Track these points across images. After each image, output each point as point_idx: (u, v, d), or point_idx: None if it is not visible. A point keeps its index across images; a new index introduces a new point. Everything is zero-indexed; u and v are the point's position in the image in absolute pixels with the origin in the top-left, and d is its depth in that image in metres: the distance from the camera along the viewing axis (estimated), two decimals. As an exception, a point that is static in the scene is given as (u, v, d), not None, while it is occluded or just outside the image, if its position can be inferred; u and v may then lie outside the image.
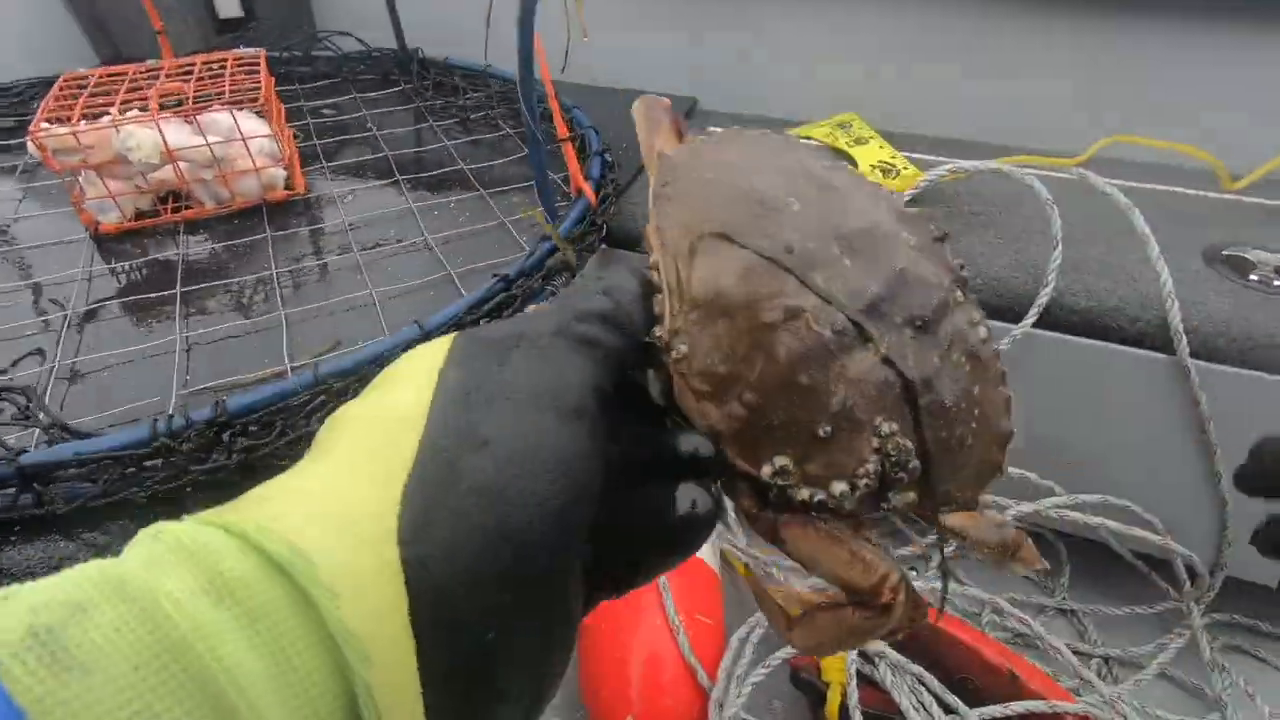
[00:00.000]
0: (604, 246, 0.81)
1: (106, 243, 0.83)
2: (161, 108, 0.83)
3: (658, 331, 0.25)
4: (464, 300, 0.62)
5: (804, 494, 0.24)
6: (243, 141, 0.84)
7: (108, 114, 0.81)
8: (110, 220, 0.83)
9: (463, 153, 1.01)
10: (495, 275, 0.65)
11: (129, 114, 0.82)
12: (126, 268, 0.80)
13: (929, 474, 0.25)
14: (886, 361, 0.24)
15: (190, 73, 0.96)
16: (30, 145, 0.77)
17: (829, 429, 0.24)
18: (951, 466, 0.25)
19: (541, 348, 0.22)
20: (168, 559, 0.16)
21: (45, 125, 0.77)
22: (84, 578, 0.15)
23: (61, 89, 0.90)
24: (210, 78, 0.98)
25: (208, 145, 0.83)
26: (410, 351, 0.22)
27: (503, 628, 0.18)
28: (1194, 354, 0.64)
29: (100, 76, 0.94)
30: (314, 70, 1.26)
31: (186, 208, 0.88)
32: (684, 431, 0.25)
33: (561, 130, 0.82)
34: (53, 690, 0.13)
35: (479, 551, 0.18)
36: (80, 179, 0.82)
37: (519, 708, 0.19)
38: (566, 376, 0.21)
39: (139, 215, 0.86)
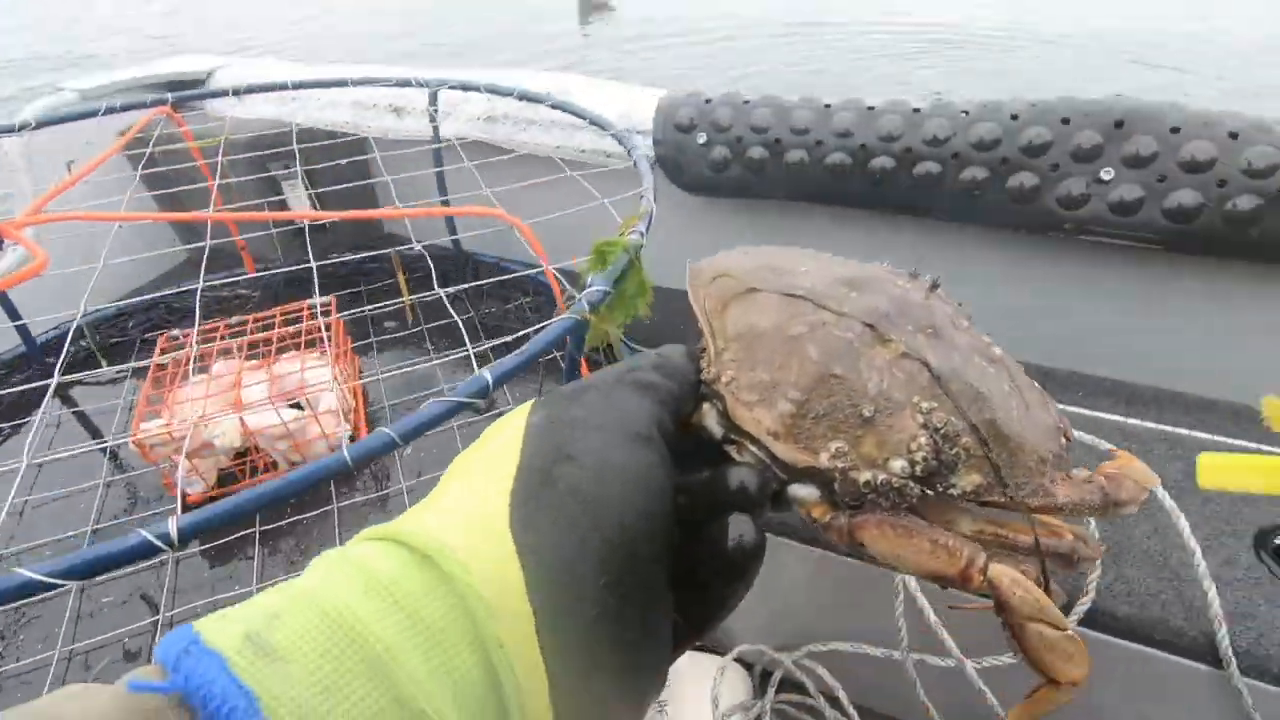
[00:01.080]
0: None
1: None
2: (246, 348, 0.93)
3: (706, 370, 0.30)
4: None
5: (866, 475, 0.26)
6: (314, 418, 0.91)
7: (202, 374, 0.91)
8: (196, 491, 0.92)
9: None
10: None
11: (216, 379, 0.91)
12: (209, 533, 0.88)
13: (989, 455, 0.26)
14: (906, 355, 0.27)
15: (270, 325, 1.06)
16: (131, 445, 0.86)
17: (872, 409, 0.26)
18: (1008, 449, 0.27)
19: (607, 390, 0.27)
20: (336, 571, 0.21)
21: (144, 427, 0.86)
22: (279, 594, 0.20)
23: (159, 356, 1.00)
24: (288, 322, 1.08)
25: (283, 423, 0.90)
26: (502, 417, 0.28)
27: (602, 608, 0.21)
28: (1245, 672, 0.61)
29: (195, 335, 1.04)
30: (381, 267, 1.36)
31: (263, 468, 0.96)
32: (732, 466, 0.27)
33: None
34: (266, 675, 0.17)
35: (578, 540, 0.21)
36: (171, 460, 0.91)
37: (625, 692, 0.23)
38: (631, 410, 0.26)
39: (219, 481, 0.94)
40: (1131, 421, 0.86)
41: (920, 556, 0.25)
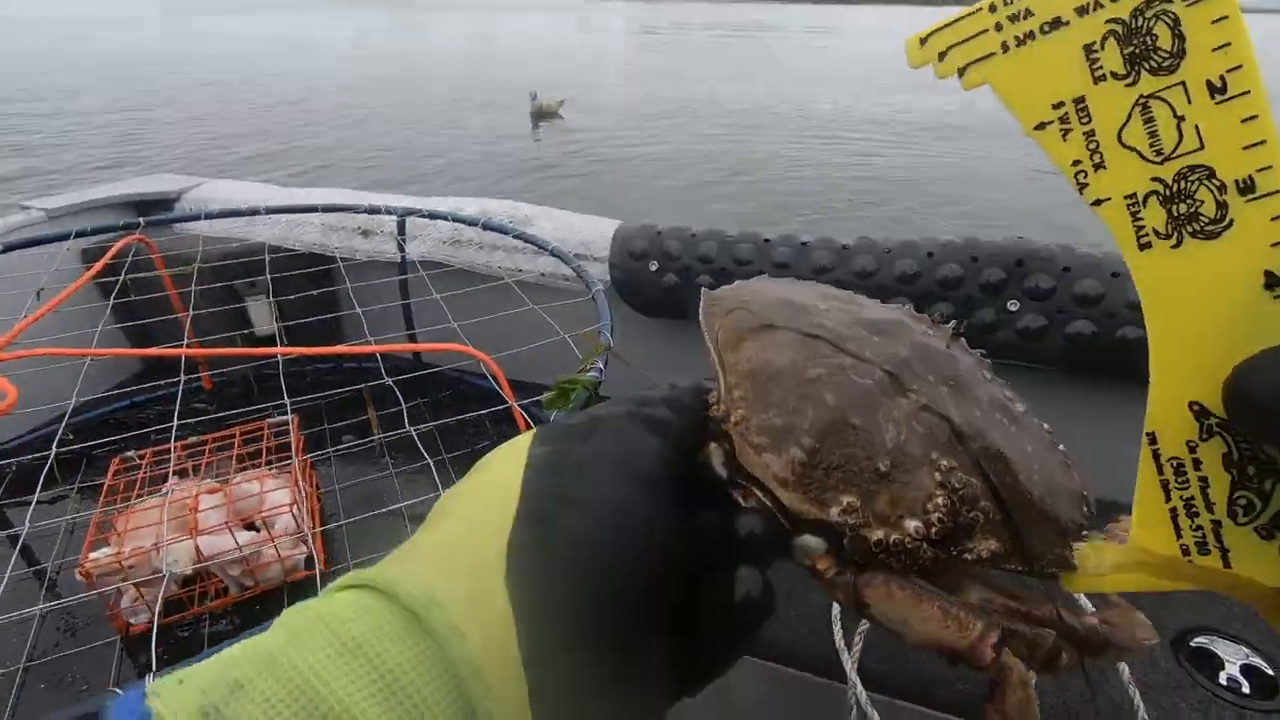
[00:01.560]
0: None
1: (134, 642, 0.88)
2: (195, 471, 0.92)
3: (714, 406, 0.28)
4: None
5: (878, 534, 0.24)
6: (271, 543, 0.91)
7: (157, 497, 0.90)
8: (141, 621, 0.89)
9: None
10: None
11: (170, 502, 0.90)
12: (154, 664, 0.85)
13: (1010, 521, 0.24)
14: (927, 409, 0.25)
15: (230, 444, 1.06)
16: (78, 575, 0.84)
17: (888, 463, 0.24)
18: (1029, 516, 0.25)
19: (617, 427, 0.25)
20: (309, 631, 0.18)
21: (93, 556, 0.84)
22: (242, 657, 0.18)
23: (113, 477, 0.99)
24: (249, 440, 1.08)
25: (238, 548, 0.90)
26: (500, 446, 0.26)
27: (601, 669, 0.20)
28: None
29: (150, 456, 1.04)
30: (341, 379, 1.37)
31: (213, 595, 0.94)
32: (742, 513, 0.25)
33: None
34: None
35: (579, 596, 0.20)
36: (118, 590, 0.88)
37: None
38: (640, 451, 0.24)
39: (166, 609, 0.91)
40: None
41: (929, 625, 0.23)
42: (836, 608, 0.91)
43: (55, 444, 0.76)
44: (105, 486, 0.98)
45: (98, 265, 1.03)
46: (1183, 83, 0.18)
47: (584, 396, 0.69)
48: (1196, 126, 0.18)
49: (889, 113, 10.88)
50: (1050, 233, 1.21)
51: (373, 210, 1.31)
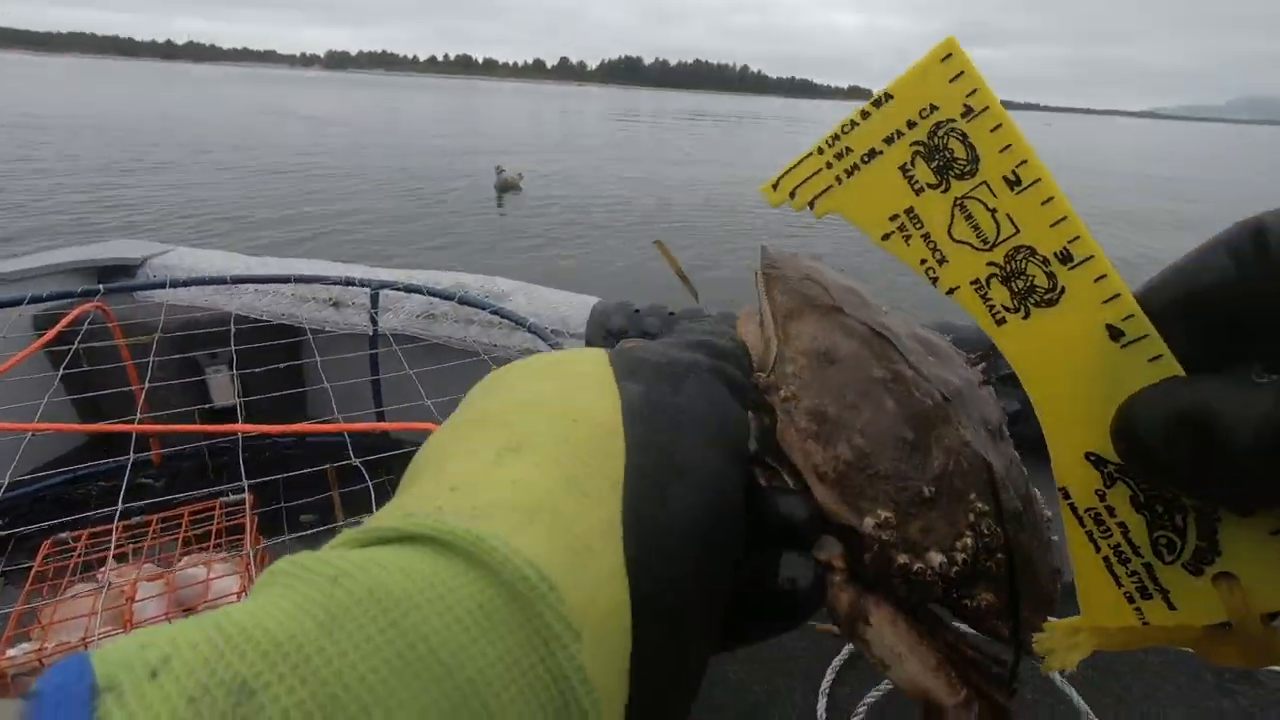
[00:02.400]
0: None
1: None
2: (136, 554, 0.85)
3: (761, 375, 0.26)
4: None
5: (902, 558, 0.23)
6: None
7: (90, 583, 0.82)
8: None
9: None
10: None
11: (106, 589, 0.83)
12: None
13: (1012, 576, 0.24)
14: (970, 445, 0.24)
15: (179, 521, 0.99)
16: (-9, 678, 0.75)
17: (933, 489, 0.24)
18: (1026, 575, 0.25)
19: (705, 380, 0.22)
20: (349, 613, 0.12)
21: (10, 654, 0.76)
22: (244, 640, 0.12)
23: (43, 561, 0.91)
24: (198, 521, 1.01)
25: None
26: (573, 352, 0.22)
27: (689, 645, 0.18)
28: None
29: (86, 538, 0.96)
30: (300, 455, 1.31)
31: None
32: (781, 493, 0.24)
33: None
34: None
35: (685, 576, 0.17)
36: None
37: None
38: (731, 417, 0.22)
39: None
40: None
41: (921, 669, 0.23)
42: (822, 709, 0.87)
43: None
44: (33, 572, 0.90)
45: (49, 334, 0.99)
46: (985, 182, 0.21)
47: None
48: (1008, 215, 0.21)
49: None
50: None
51: (346, 282, 1.29)
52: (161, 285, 1.23)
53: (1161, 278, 0.20)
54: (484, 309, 1.16)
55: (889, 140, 0.22)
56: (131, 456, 0.84)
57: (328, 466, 1.12)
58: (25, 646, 0.79)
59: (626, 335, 1.22)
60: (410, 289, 1.25)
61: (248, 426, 0.85)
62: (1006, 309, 0.21)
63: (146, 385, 1.05)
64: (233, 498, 1.05)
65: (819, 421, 0.25)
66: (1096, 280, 0.20)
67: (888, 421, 0.25)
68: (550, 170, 12.34)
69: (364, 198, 8.93)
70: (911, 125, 0.21)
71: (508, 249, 6.86)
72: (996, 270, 0.21)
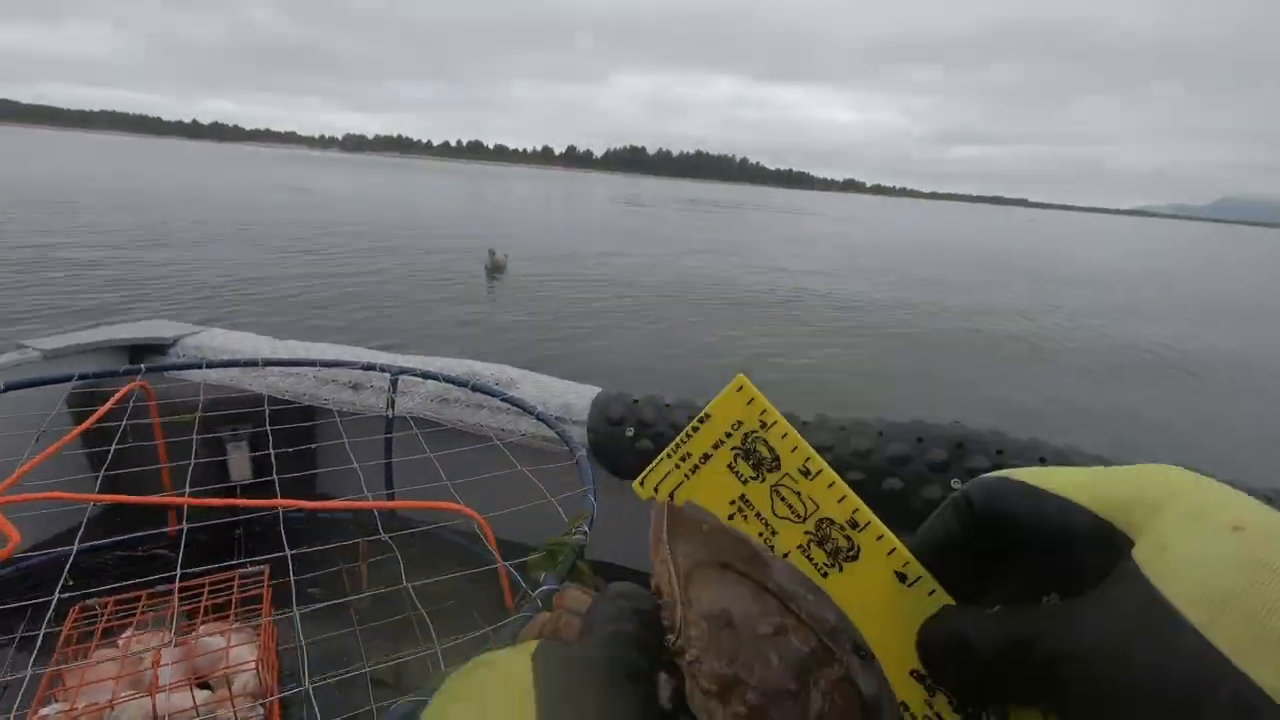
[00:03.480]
0: None
1: None
2: (158, 622, 0.90)
3: (671, 640, 0.28)
4: None
5: None
6: (230, 700, 0.89)
7: (116, 647, 0.87)
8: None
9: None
10: None
11: (130, 653, 0.88)
12: None
13: None
14: (847, 679, 0.27)
15: (199, 592, 1.05)
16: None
17: None
18: None
19: (605, 685, 0.24)
20: None
21: (43, 713, 0.81)
22: None
23: (71, 626, 0.97)
24: (216, 591, 1.07)
25: (195, 708, 0.87)
26: (500, 663, 0.24)
27: None
28: None
29: (113, 606, 1.02)
30: (314, 531, 1.37)
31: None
32: None
33: None
34: None
35: None
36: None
37: None
38: (628, 712, 0.23)
39: (109, 776, 0.87)
40: None
41: None
42: None
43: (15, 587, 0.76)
44: (62, 636, 0.96)
45: (101, 410, 1.08)
46: (788, 473, 0.28)
47: (571, 559, 0.74)
48: (810, 496, 0.28)
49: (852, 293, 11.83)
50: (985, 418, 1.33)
51: (368, 367, 1.39)
52: (198, 366, 1.33)
53: (920, 534, 0.27)
54: (495, 396, 1.25)
55: (716, 446, 0.29)
56: (173, 527, 0.91)
57: (342, 543, 1.18)
58: (56, 707, 0.84)
59: (625, 424, 1.31)
60: (427, 375, 1.35)
61: (279, 502, 0.93)
62: (827, 565, 0.28)
63: (168, 462, 1.13)
64: (250, 570, 1.12)
65: (719, 683, 0.27)
66: (878, 539, 0.27)
67: (774, 676, 0.27)
68: (545, 254, 13.03)
69: (352, 280, 9.30)
70: (729, 435, 0.29)
71: (494, 331, 7.09)
72: (812, 537, 0.28)
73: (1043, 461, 1.10)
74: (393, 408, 1.38)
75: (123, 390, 1.17)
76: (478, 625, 0.75)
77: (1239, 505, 0.19)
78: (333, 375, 1.49)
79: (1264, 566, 0.17)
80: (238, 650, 0.97)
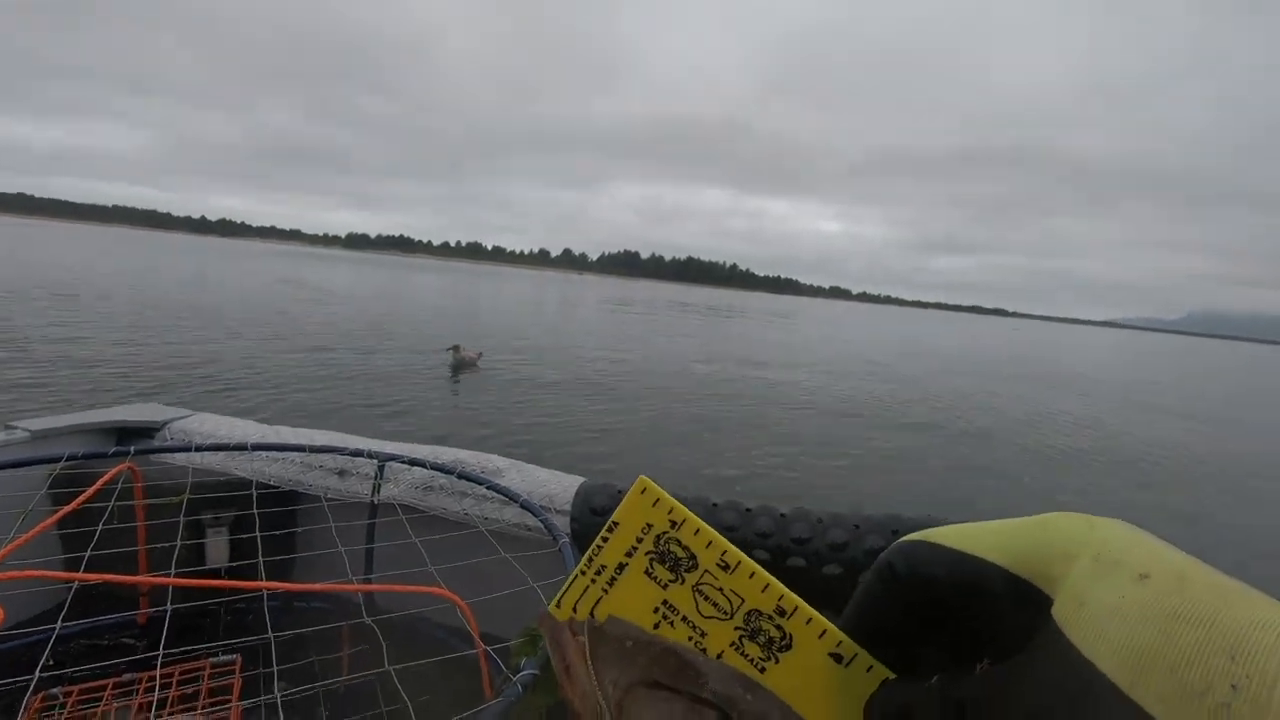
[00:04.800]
0: None
1: None
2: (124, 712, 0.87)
3: None
4: None
5: None
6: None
7: None
8: None
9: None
10: None
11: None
12: None
13: None
14: None
15: (169, 682, 1.03)
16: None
17: None
18: None
19: None
20: None
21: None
22: None
23: (31, 716, 0.94)
24: (186, 680, 1.05)
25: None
26: None
27: None
28: None
29: (77, 695, 0.99)
30: (293, 618, 1.34)
31: None
32: None
33: None
34: None
35: None
36: None
37: None
38: None
39: None
40: None
41: None
42: None
43: None
44: (21, 726, 0.93)
45: (89, 492, 1.09)
46: (706, 570, 0.27)
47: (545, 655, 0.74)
48: (733, 590, 0.27)
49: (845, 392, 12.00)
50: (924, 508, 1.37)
51: (355, 453, 1.41)
52: (187, 449, 1.35)
53: (849, 609, 0.26)
54: (481, 484, 1.27)
55: (629, 554, 0.28)
56: (144, 611, 0.91)
57: (340, 624, 1.17)
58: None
59: (608, 513, 1.32)
60: (414, 462, 1.37)
61: (259, 585, 0.93)
62: (762, 659, 0.27)
63: (147, 545, 1.13)
64: (221, 659, 1.09)
65: None
66: (807, 623, 0.26)
67: None
68: (525, 349, 13.61)
69: (332, 367, 9.63)
70: (640, 540, 0.28)
71: (469, 425, 7.16)
72: (743, 631, 0.27)
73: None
74: (378, 493, 1.39)
75: (111, 472, 1.19)
76: (456, 712, 0.74)
77: (1140, 548, 0.19)
78: (320, 461, 1.50)
79: (1175, 617, 0.17)
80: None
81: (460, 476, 1.31)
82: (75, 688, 1.01)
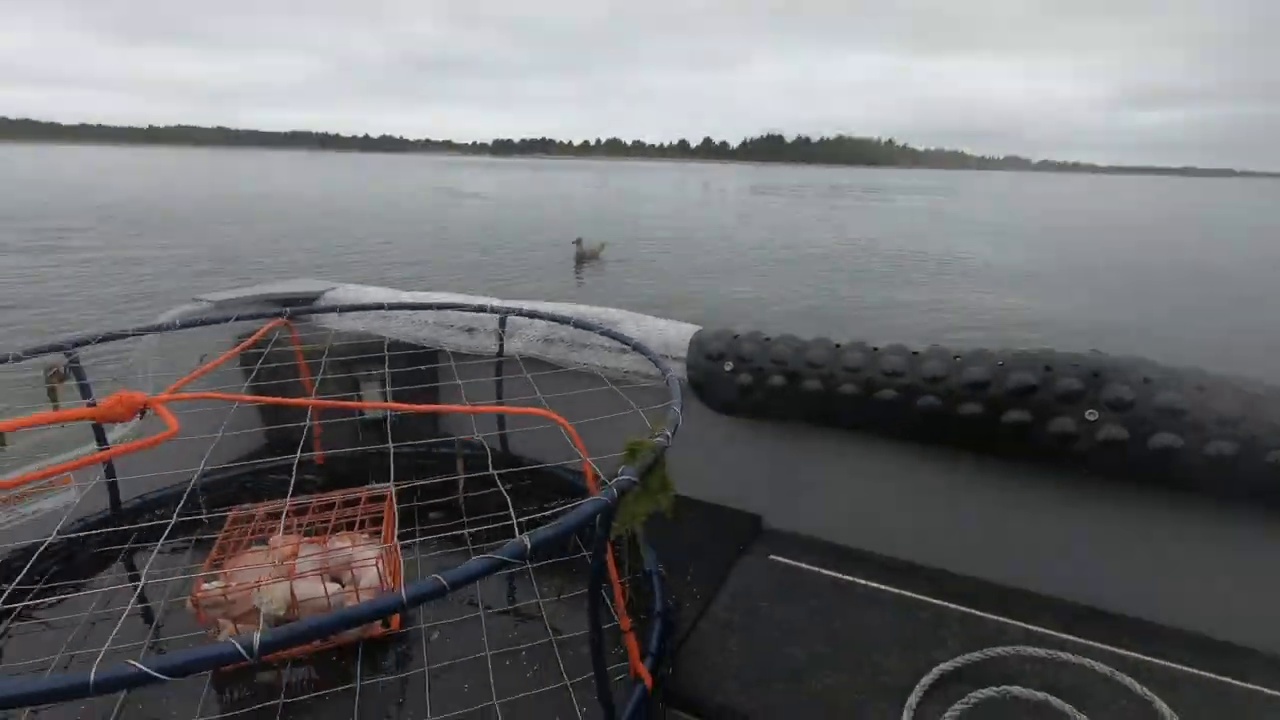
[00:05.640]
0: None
1: (225, 676, 0.95)
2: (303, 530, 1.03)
3: None
4: None
5: None
6: (355, 593, 0.98)
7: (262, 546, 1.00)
8: (231, 658, 0.96)
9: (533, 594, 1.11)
10: None
11: (275, 550, 1.00)
12: (242, 697, 0.91)
13: None
14: None
15: (330, 506, 1.17)
16: (188, 605, 0.93)
17: None
18: None
19: None
20: None
21: (205, 587, 0.94)
22: None
23: (228, 529, 1.11)
24: (346, 505, 1.19)
25: (326, 598, 0.97)
26: None
27: None
28: None
29: (263, 513, 1.16)
30: (434, 465, 1.47)
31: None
32: None
33: (623, 622, 0.89)
34: None
35: None
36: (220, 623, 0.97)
37: None
38: None
39: (256, 650, 0.99)
40: (1157, 662, 0.86)
41: None
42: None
43: (186, 496, 0.86)
44: (222, 533, 1.10)
45: (251, 339, 1.22)
46: None
47: (650, 458, 0.74)
48: None
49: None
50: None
51: (479, 309, 1.47)
52: (333, 310, 1.48)
53: None
54: (595, 330, 1.28)
55: None
56: (312, 453, 1.02)
57: (460, 476, 1.27)
58: (215, 584, 0.97)
59: (724, 359, 1.29)
60: (534, 315, 1.40)
61: (396, 405, 1.01)
62: None
63: (314, 397, 1.26)
64: (377, 492, 1.23)
65: None
66: None
67: None
68: (651, 240, 14.17)
69: (468, 259, 10.67)
70: None
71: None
72: None
73: (1147, 383, 0.97)
74: (502, 347, 1.45)
75: (269, 324, 1.33)
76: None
77: None
78: (450, 320, 1.59)
79: None
80: (363, 554, 1.06)
81: (577, 325, 1.33)
82: (261, 507, 1.18)
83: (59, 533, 1.07)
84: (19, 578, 0.94)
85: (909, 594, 1.09)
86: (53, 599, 1.06)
